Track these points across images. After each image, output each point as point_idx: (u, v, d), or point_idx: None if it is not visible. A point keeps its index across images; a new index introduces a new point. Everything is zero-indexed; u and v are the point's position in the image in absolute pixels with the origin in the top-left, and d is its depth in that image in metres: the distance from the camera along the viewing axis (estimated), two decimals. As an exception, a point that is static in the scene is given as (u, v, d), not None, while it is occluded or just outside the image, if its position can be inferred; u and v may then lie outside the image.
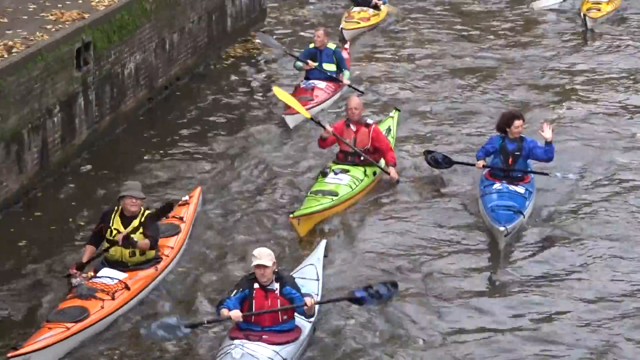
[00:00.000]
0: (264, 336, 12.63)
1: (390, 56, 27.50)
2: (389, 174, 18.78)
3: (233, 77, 26.28)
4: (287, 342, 12.83)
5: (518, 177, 18.04)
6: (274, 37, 29.98)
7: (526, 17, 31.11)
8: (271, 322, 12.73)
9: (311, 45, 23.44)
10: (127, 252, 14.99)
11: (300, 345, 13.31)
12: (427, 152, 19.87)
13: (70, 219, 18.86)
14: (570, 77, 25.54)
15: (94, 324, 13.91)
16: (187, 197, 18.11)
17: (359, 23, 29.46)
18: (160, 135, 23.26)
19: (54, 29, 20.39)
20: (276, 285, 12.76)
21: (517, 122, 17.71)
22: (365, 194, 18.38)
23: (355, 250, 17.00)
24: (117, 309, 14.39)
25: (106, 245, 15.17)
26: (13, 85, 18.32)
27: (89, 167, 20.96)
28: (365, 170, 18.16)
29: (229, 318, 12.87)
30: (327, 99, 22.14)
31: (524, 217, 17.15)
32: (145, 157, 21.79)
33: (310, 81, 22.42)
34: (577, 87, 25.20)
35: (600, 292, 16.03)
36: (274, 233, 17.56)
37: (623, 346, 14.56)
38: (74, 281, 14.48)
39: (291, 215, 16.46)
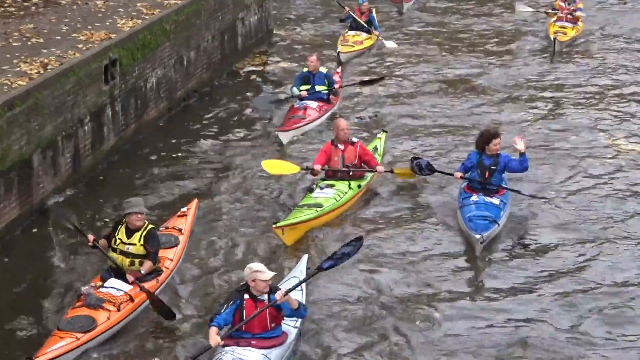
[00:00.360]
0: (252, 341, 12.51)
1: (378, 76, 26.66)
2: (378, 171, 18.60)
3: (242, 91, 26.09)
4: (275, 346, 12.76)
5: (494, 190, 17.91)
6: (279, 52, 29.76)
7: (505, 40, 30.42)
8: (260, 330, 12.60)
9: (305, 69, 23.22)
10: (127, 261, 14.68)
11: (288, 348, 13.24)
12: (414, 159, 19.66)
13: (98, 217, 18.91)
14: (541, 94, 25.31)
15: (100, 334, 13.68)
16: (185, 209, 17.54)
17: (353, 46, 29.12)
18: (175, 145, 22.91)
19: (84, 48, 20.71)
20: (265, 296, 12.56)
21: (496, 140, 17.67)
22: (350, 205, 18.18)
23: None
24: (122, 320, 14.16)
25: (111, 252, 14.84)
26: (48, 98, 18.72)
27: (115, 170, 20.79)
28: (349, 184, 17.95)
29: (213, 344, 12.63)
30: (318, 118, 21.99)
31: (498, 225, 17.15)
32: (161, 163, 21.61)
33: (304, 101, 22.32)
34: (548, 103, 25.15)
35: (571, 296, 15.75)
36: (265, 243, 17.10)
37: (596, 347, 14.33)
38: (84, 289, 14.16)
39: (274, 225, 16.28)
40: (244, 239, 17.24)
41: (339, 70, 25.98)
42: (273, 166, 18.44)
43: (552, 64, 26.76)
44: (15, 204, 17.91)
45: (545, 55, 27.68)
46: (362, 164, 18.50)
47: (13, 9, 23.28)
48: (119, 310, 14.04)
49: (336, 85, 23.47)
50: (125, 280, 14.47)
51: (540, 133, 22.84)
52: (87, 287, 14.22)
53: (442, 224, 18.12)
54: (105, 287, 14.36)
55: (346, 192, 17.71)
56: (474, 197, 17.56)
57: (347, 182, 17.96)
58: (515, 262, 16.77)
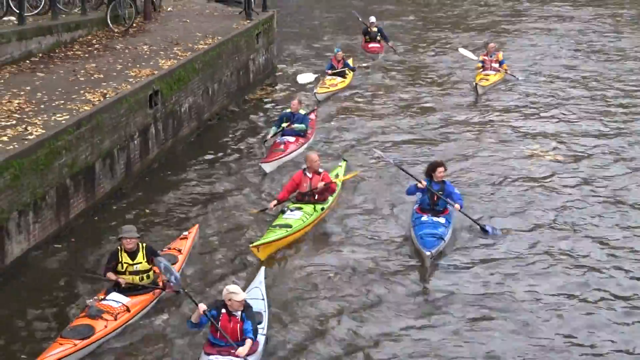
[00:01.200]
0: (232, 350, 11.76)
1: (349, 113, 25.99)
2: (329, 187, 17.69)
3: (251, 115, 25.89)
4: (251, 354, 11.97)
5: (440, 211, 17.11)
6: (280, 84, 29.53)
7: (446, 81, 29.48)
8: (234, 339, 11.81)
9: (288, 110, 22.55)
10: (137, 277, 13.80)
11: (261, 355, 12.50)
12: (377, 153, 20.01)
13: (143, 209, 18.85)
14: (468, 130, 24.24)
15: (96, 341, 12.76)
16: (186, 232, 16.50)
17: (329, 88, 27.75)
18: (201, 157, 22.31)
19: (134, 82, 20.70)
20: (239, 313, 11.88)
21: (440, 169, 17.05)
22: (315, 225, 17.19)
23: (297, 272, 15.63)
24: (117, 328, 13.16)
25: (120, 276, 13.80)
26: (107, 119, 18.72)
27: (157, 174, 20.80)
28: (314, 207, 17.10)
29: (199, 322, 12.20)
30: (295, 150, 21.21)
31: (444, 241, 16.43)
32: (189, 172, 21.09)
33: (284, 137, 21.63)
34: (474, 138, 23.72)
35: (510, 304, 14.66)
36: (246, 259, 15.98)
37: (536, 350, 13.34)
38: (88, 302, 13.27)
39: (251, 245, 15.55)
40: (230, 257, 16.25)
41: (315, 109, 25.09)
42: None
43: (476, 102, 26.27)
44: (82, 199, 17.89)
45: (472, 96, 27.15)
46: (324, 191, 17.57)
47: (80, 52, 23.32)
48: (115, 319, 13.14)
49: (311, 132, 22.69)
50: (127, 295, 13.60)
51: (474, 162, 21.82)
52: (91, 300, 13.39)
53: (396, 241, 17.03)
54: (107, 300, 13.49)
55: (311, 214, 16.96)
56: (424, 218, 16.84)
57: (312, 205, 17.16)
58: (458, 272, 15.87)
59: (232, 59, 26.45)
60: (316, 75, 28.31)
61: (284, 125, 21.93)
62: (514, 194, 19.84)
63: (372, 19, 33.50)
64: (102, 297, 13.58)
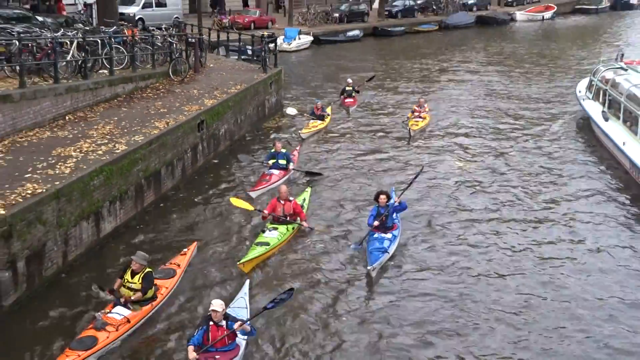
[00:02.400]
0: (216, 356, 10.62)
1: (322, 149, 23.75)
2: (303, 226, 16.20)
3: (266, 138, 25.39)
4: (233, 357, 10.84)
5: (388, 228, 15.41)
6: (286, 117, 28.68)
7: (390, 129, 26.62)
8: (222, 345, 10.69)
9: (272, 150, 20.61)
10: (130, 292, 12.07)
11: (242, 356, 11.16)
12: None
13: (194, 200, 18.60)
14: (405, 157, 22.63)
15: (99, 350, 11.05)
16: (185, 250, 14.56)
17: (311, 129, 25.91)
18: (229, 169, 21.48)
19: (187, 114, 20.62)
20: (224, 322, 10.74)
21: (382, 197, 15.63)
22: (289, 241, 15.67)
23: (275, 282, 13.94)
24: (118, 338, 11.46)
25: (121, 287, 12.30)
26: (169, 139, 18.75)
27: (203, 177, 20.52)
28: (287, 227, 15.70)
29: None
30: (278, 180, 19.35)
31: (389, 253, 14.65)
32: (218, 179, 20.48)
33: (271, 170, 19.76)
34: (412, 162, 22.01)
35: (444, 298, 13.21)
36: (234, 273, 14.16)
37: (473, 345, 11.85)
38: (96, 315, 11.59)
39: (238, 262, 14.15)
40: (221, 271, 14.35)
41: (297, 148, 23.01)
42: (237, 202, 16.47)
43: (409, 145, 24.46)
44: (152, 193, 17.78)
45: (406, 137, 25.34)
46: (294, 214, 16.12)
47: (151, 94, 23.15)
48: (117, 330, 11.50)
49: (291, 165, 20.42)
50: (129, 308, 12.07)
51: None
52: (99, 313, 11.68)
53: (353, 254, 15.10)
54: (112, 313, 11.83)
55: (285, 233, 15.54)
56: (375, 235, 15.12)
57: (285, 226, 15.73)
58: (401, 277, 14.11)
59: (254, 99, 26.25)
60: (296, 112, 27.44)
61: (271, 160, 20.17)
62: (445, 198, 18.69)
63: (349, 80, 31.91)
64: (109, 310, 11.96)
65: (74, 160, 15.44)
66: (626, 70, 25.25)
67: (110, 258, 14.83)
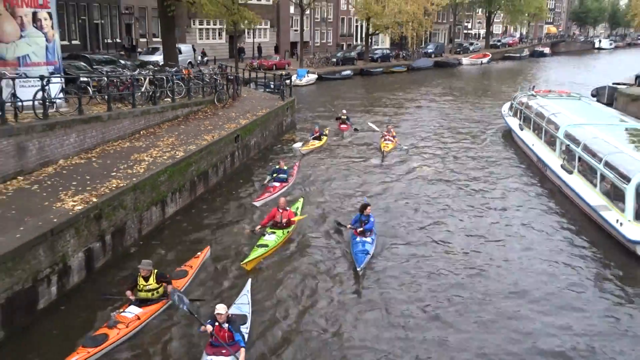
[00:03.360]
0: (222, 350, 9.10)
1: (317, 164, 21.75)
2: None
3: (284, 148, 24.93)
4: (236, 351, 9.12)
5: (367, 233, 13.54)
6: (297, 133, 28.43)
7: (369, 150, 24.28)
8: (225, 341, 9.14)
9: (277, 167, 18.92)
10: (149, 294, 10.62)
11: (243, 351, 9.28)
12: (338, 223, 14.90)
13: (233, 193, 18.28)
14: (379, 173, 20.58)
15: (108, 346, 9.45)
16: (199, 253, 12.87)
17: (310, 147, 23.83)
18: (257, 172, 20.53)
19: (228, 130, 20.45)
20: (226, 325, 9.26)
21: (368, 209, 13.96)
22: (284, 243, 13.88)
23: (273, 281, 12.12)
24: (127, 334, 9.84)
25: (138, 293, 10.67)
26: (214, 148, 18.61)
27: (238, 175, 20.17)
28: (283, 231, 14.00)
29: (206, 331, 9.35)
30: (279, 191, 17.55)
31: (370, 254, 12.98)
32: (249, 179, 19.80)
33: (274, 182, 18.03)
34: (383, 177, 20.18)
35: (426, 299, 11.51)
36: (238, 272, 12.41)
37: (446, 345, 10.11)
38: (112, 314, 10.03)
39: (241, 263, 12.37)
40: (228, 270, 12.63)
41: (297, 163, 21.17)
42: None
43: (382, 162, 22.33)
44: (202, 187, 17.58)
45: (378, 156, 23.17)
46: (290, 221, 14.33)
47: (201, 116, 22.88)
48: (127, 327, 9.93)
49: (291, 179, 18.82)
50: (141, 307, 10.46)
51: (382, 200, 17.44)
52: (114, 313, 10.13)
53: (339, 256, 13.31)
54: (125, 312, 10.31)
55: (281, 236, 13.88)
56: (358, 238, 13.41)
57: (282, 230, 14.07)
58: (383, 274, 12.43)
59: (275, 119, 25.99)
60: (301, 145, 24.25)
61: (274, 175, 18.52)
62: (412, 205, 17.04)
63: (344, 111, 29.63)
64: (123, 310, 10.42)
65: (146, 163, 15.31)
66: (535, 96, 27.40)
67: (172, 234, 14.62)
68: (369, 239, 13.56)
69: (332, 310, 11.11)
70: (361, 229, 13.79)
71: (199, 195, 17.28)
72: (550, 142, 21.17)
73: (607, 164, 15.59)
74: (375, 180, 19.79)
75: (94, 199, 12.19)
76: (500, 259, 13.41)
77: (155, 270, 10.92)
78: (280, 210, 14.45)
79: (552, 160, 19.90)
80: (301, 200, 16.87)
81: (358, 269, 12.50)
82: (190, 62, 41.03)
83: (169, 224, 15.16)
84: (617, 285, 12.22)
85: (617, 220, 13.97)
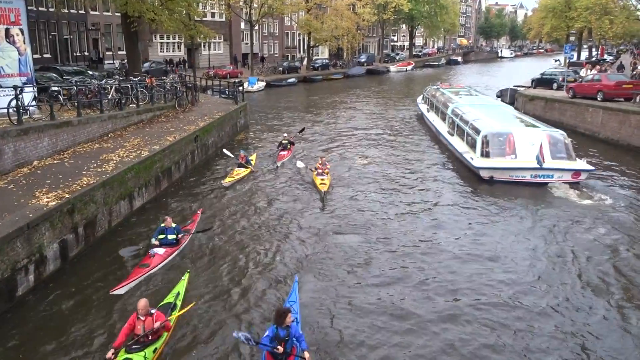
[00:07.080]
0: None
1: (235, 209, 14.91)
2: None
3: (239, 146, 24.18)
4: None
5: (289, 354, 7.46)
6: (251, 132, 28.09)
7: (304, 185, 17.10)
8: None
9: (162, 225, 11.95)
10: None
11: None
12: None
13: (199, 181, 17.96)
14: (320, 218, 14.17)
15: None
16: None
17: (234, 177, 17.58)
18: (217, 165, 20.20)
19: (187, 131, 20.03)
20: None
21: (289, 316, 7.48)
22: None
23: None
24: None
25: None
26: (176, 147, 18.25)
27: (199, 170, 19.76)
28: (150, 349, 7.82)
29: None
30: (162, 262, 11.01)
31: None
32: (209, 172, 19.48)
33: (155, 250, 11.29)
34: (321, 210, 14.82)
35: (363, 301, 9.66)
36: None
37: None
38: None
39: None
40: (234, 241, 11.75)
41: (198, 212, 13.95)
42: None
43: (323, 207, 14.64)
44: (166, 182, 17.17)
45: (317, 197, 15.61)
46: (159, 331, 7.97)
47: (163, 119, 22.35)
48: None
49: (184, 239, 12.07)
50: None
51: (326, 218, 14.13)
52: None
53: None
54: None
55: (149, 358, 7.69)
56: None
57: (148, 348, 7.77)
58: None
59: (229, 121, 25.62)
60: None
61: (160, 237, 11.61)
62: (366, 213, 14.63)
63: (285, 134, 23.10)
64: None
65: (115, 162, 14.92)
66: (439, 89, 31.52)
67: (139, 224, 14.39)
68: None
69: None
70: (280, 349, 7.47)
71: (164, 190, 16.88)
72: (443, 118, 25.77)
73: (471, 126, 20.24)
74: (312, 239, 12.52)
75: (67, 195, 11.76)
76: (410, 187, 16.97)
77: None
78: (142, 318, 8.00)
79: (443, 129, 24.55)
80: (187, 275, 10.18)
81: None
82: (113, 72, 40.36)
83: (137, 215, 14.76)
84: (467, 191, 16.92)
85: (472, 158, 18.57)
